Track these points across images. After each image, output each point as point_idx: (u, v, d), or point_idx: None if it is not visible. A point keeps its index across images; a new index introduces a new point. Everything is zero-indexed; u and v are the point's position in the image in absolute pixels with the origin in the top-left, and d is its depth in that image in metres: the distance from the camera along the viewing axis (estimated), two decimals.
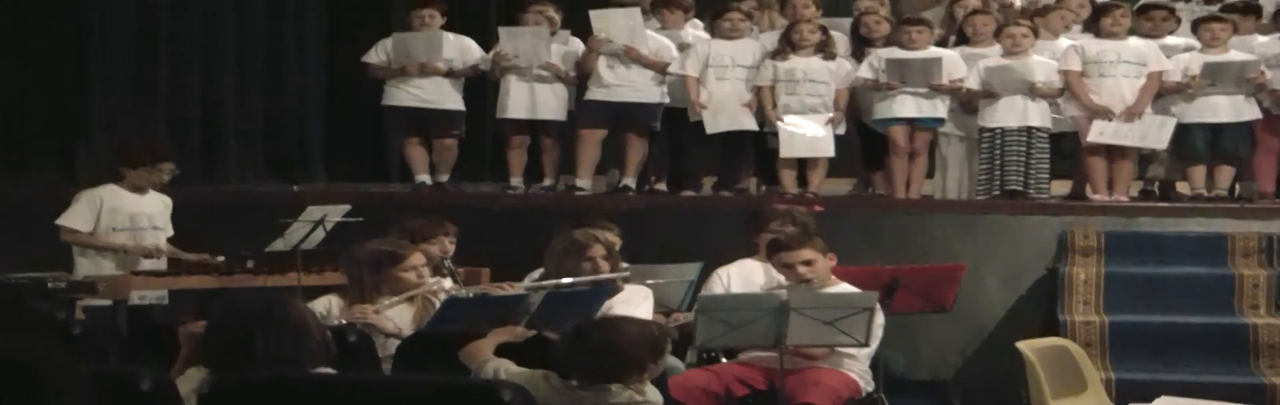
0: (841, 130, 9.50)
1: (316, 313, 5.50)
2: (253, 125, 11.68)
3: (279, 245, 7.86)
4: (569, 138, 10.01)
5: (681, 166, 10.09)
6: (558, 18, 10.01)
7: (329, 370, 4.47)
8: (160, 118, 10.77)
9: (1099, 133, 9.07)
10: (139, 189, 8.10)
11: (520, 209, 9.42)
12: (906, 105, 9.30)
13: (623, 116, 9.78)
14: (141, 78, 10.69)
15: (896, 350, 7.75)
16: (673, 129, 9.88)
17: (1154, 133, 9.08)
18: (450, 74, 9.97)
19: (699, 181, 10.09)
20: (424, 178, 10.13)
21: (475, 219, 8.37)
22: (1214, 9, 9.85)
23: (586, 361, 4.70)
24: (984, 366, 8.29)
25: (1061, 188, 9.76)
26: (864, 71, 9.40)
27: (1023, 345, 6.22)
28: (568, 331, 4.83)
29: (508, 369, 4.91)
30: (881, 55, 9.37)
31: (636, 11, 9.77)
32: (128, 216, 8.02)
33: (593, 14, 9.75)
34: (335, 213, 7.92)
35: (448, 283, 6.84)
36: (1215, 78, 9.05)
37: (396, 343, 5.72)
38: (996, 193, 9.14)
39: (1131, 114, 9.04)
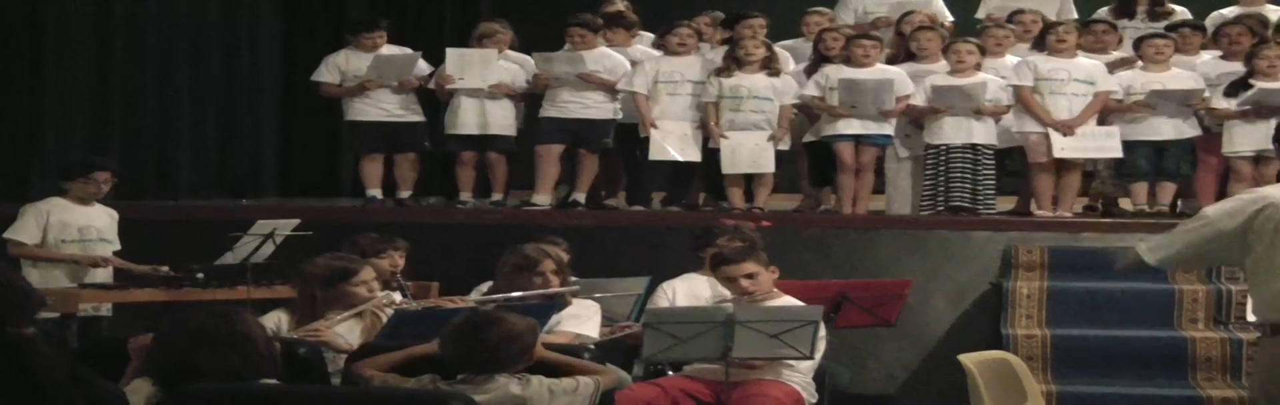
0: (785, 146, 9.60)
1: (267, 327, 5.56)
2: (205, 140, 11.70)
3: (229, 259, 7.90)
4: (519, 153, 10.08)
5: (631, 182, 10.18)
6: (509, 38, 10.14)
7: (275, 382, 4.52)
8: (113, 132, 10.78)
9: (1061, 148, 9.19)
10: (83, 201, 8.14)
11: (471, 224, 9.47)
12: (852, 123, 9.40)
13: (576, 133, 9.87)
14: (95, 93, 10.71)
15: (842, 365, 7.82)
16: (624, 145, 9.97)
17: (1106, 143, 9.22)
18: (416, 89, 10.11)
19: (648, 197, 10.18)
20: (376, 193, 10.21)
21: (426, 234, 8.44)
22: (1159, 26, 10.00)
23: (472, 354, 4.90)
24: (928, 381, 8.38)
25: (1006, 204, 9.87)
26: (810, 89, 9.50)
27: (965, 358, 6.30)
28: (451, 328, 4.99)
29: (394, 380, 5.05)
30: (830, 74, 9.48)
31: (492, 53, 9.95)
32: (76, 229, 8.07)
33: (449, 52, 9.97)
34: (285, 227, 7.97)
35: (397, 297, 6.87)
36: (1160, 103, 9.21)
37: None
38: (941, 209, 9.25)
39: (1071, 127, 9.16)
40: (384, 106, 10.09)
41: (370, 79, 10.02)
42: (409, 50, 10.26)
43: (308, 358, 5.17)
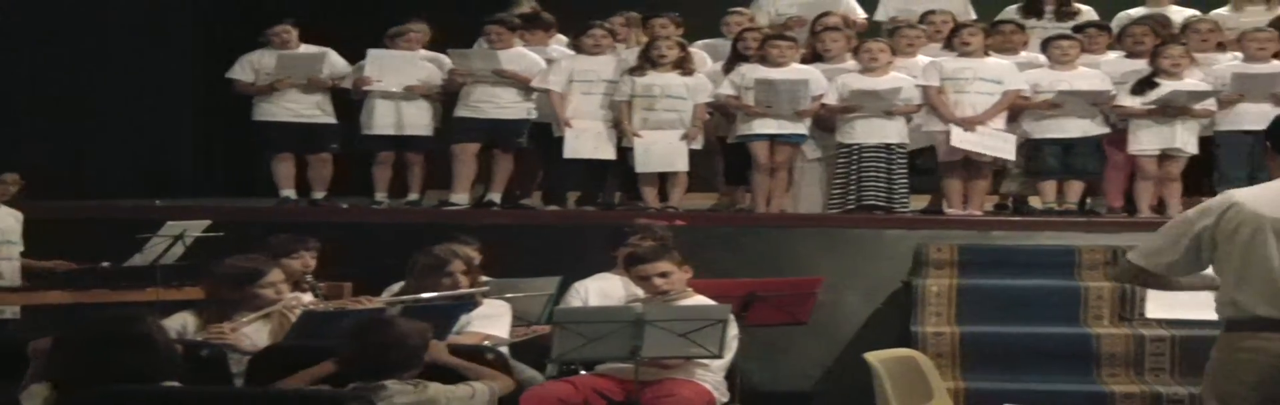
0: (698, 145, 9.65)
1: (172, 329, 5.56)
2: (120, 140, 11.63)
3: (138, 260, 7.87)
4: (435, 153, 10.09)
5: (547, 182, 10.21)
6: (426, 36, 10.15)
7: (175, 385, 4.52)
8: (26, 132, 10.70)
9: (960, 140, 9.28)
10: None
11: (386, 224, 9.47)
12: (768, 122, 9.45)
13: (491, 132, 9.89)
14: (3, 90, 10.62)
15: (755, 362, 7.86)
16: (539, 144, 10.00)
17: (1002, 145, 9.33)
18: (328, 88, 10.09)
19: (564, 196, 10.20)
20: (289, 193, 10.20)
21: (340, 234, 8.43)
22: (1066, 26, 10.11)
23: (364, 360, 4.90)
24: (841, 378, 8.41)
25: (920, 203, 9.95)
26: (726, 88, 9.55)
27: (870, 356, 6.34)
28: (343, 332, 4.99)
29: None
30: (745, 73, 9.54)
31: (413, 55, 10.00)
32: None
33: (369, 54, 10.00)
34: (195, 228, 7.95)
35: (307, 298, 6.86)
36: (1068, 102, 9.32)
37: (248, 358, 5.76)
38: (852, 207, 9.32)
39: (975, 123, 9.26)
40: (290, 106, 10.08)
41: (279, 78, 9.99)
42: (320, 49, 10.22)
43: (210, 359, 5.17)
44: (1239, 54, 9.55)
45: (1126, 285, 8.07)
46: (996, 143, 9.34)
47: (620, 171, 9.88)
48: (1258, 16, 10.04)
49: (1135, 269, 4.87)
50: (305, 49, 10.22)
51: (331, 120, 10.21)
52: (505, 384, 5.30)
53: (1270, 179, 4.85)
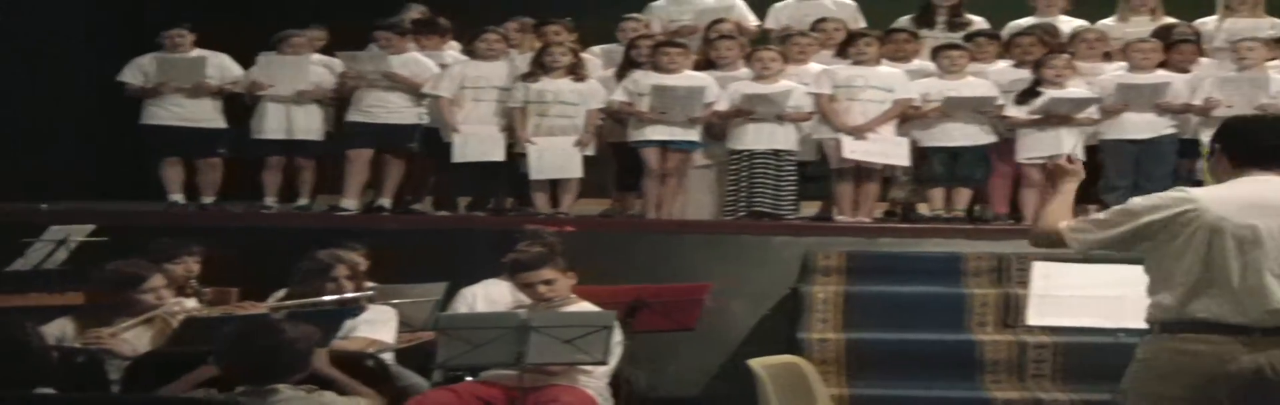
0: (591, 151, 9.66)
1: (50, 335, 5.50)
2: (6, 142, 11.48)
3: (20, 265, 7.78)
4: (325, 158, 10.05)
5: (438, 187, 10.20)
6: (319, 41, 10.12)
7: (49, 391, 4.48)
8: None
9: (851, 151, 9.35)
10: None
11: (275, 228, 9.41)
12: (660, 128, 9.49)
13: (382, 137, 9.86)
14: None
15: (643, 368, 7.87)
16: (431, 149, 9.98)
17: (894, 151, 9.40)
18: (215, 93, 10.02)
19: (455, 202, 10.19)
20: (178, 197, 10.13)
21: (229, 239, 8.38)
22: (957, 36, 10.21)
23: (250, 364, 4.88)
24: (728, 385, 8.40)
25: (810, 209, 10.02)
26: (619, 94, 9.58)
27: (754, 363, 6.39)
28: (224, 339, 4.97)
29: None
30: (639, 80, 9.57)
31: (304, 60, 10.02)
32: None
33: (259, 58, 10.09)
34: (78, 232, 7.88)
35: (191, 303, 6.83)
36: (955, 111, 9.42)
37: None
38: (743, 214, 9.37)
39: (865, 131, 9.33)
40: (177, 111, 10.01)
41: (160, 82, 9.93)
42: (205, 53, 10.16)
43: (87, 365, 5.13)
44: (1125, 63, 9.67)
45: (1012, 292, 8.18)
46: (889, 149, 9.42)
47: (512, 177, 9.87)
48: (1142, 27, 10.18)
49: (1057, 236, 4.85)
50: (198, 53, 10.15)
51: (222, 124, 10.15)
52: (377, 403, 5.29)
53: (1205, 182, 4.86)
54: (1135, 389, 4.71)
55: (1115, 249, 4.79)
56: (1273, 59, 9.66)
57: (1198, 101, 9.36)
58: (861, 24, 10.55)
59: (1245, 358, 4.52)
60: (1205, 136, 9.29)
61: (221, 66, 10.16)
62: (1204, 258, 4.58)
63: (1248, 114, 4.97)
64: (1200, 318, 4.57)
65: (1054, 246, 4.90)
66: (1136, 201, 4.75)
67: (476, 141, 9.61)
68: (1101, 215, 4.81)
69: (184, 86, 9.96)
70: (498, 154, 9.64)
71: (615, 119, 9.88)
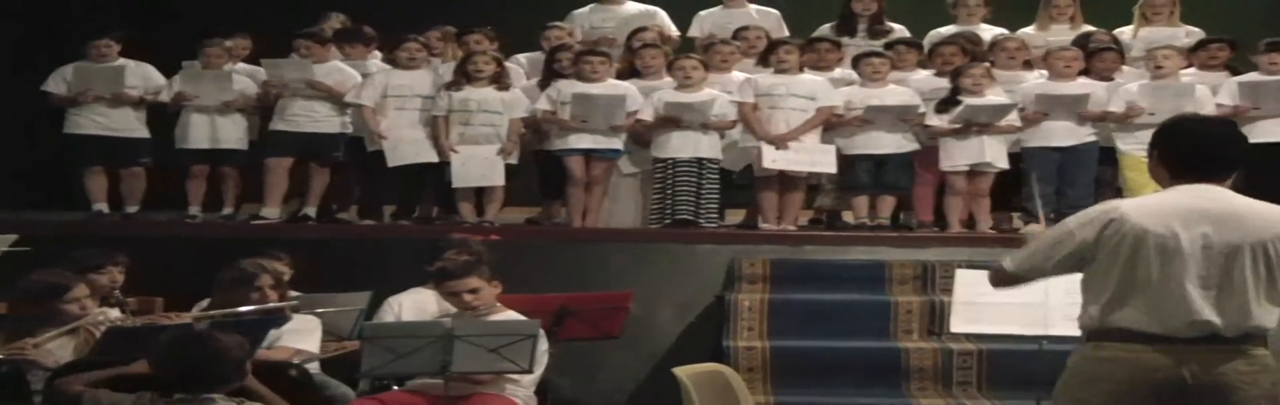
0: (514, 159, 9.67)
1: None
2: None
3: None
4: (249, 167, 10.02)
5: (363, 195, 10.17)
6: (241, 50, 10.08)
7: None
8: None
9: (772, 160, 9.39)
10: None
11: (198, 238, 9.37)
12: (583, 137, 9.51)
13: (306, 146, 9.84)
14: None
15: (569, 377, 7.88)
16: (356, 158, 9.96)
17: (821, 158, 9.45)
18: (137, 102, 9.98)
19: (380, 210, 10.17)
20: (101, 206, 10.07)
21: (154, 248, 8.32)
22: (878, 44, 10.28)
23: (183, 373, 4.89)
24: (654, 393, 8.42)
25: (736, 217, 10.05)
26: (542, 103, 9.60)
27: (679, 371, 6.37)
28: (160, 346, 4.95)
29: (107, 397, 5.00)
30: (562, 88, 9.58)
31: (226, 71, 10.00)
32: None
33: (184, 69, 10.09)
34: (1, 242, 7.79)
35: (114, 313, 6.79)
36: (878, 118, 9.48)
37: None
38: (669, 222, 9.39)
39: (787, 139, 9.38)
40: (99, 120, 9.98)
41: (79, 91, 9.89)
42: (125, 62, 10.10)
43: (8, 376, 5.09)
44: (1045, 72, 9.76)
45: (937, 299, 8.24)
46: (816, 157, 9.45)
47: (437, 185, 9.86)
48: (1062, 35, 10.29)
49: (1005, 274, 4.87)
50: (120, 62, 10.09)
51: (145, 134, 10.11)
52: None
53: (1125, 189, 4.84)
54: (1060, 395, 4.76)
55: (1066, 272, 4.80)
56: (1188, 67, 9.79)
57: (1117, 109, 9.46)
58: (784, 32, 10.62)
59: (1166, 367, 4.55)
60: (1123, 144, 9.42)
61: (144, 76, 10.12)
62: (1126, 267, 4.59)
63: (1184, 120, 4.91)
64: (1121, 326, 4.60)
65: (1016, 284, 4.92)
66: (1068, 219, 4.77)
67: (407, 145, 9.61)
68: (1038, 243, 4.82)
69: (103, 96, 9.90)
70: (430, 155, 9.63)
71: (536, 128, 9.87)
